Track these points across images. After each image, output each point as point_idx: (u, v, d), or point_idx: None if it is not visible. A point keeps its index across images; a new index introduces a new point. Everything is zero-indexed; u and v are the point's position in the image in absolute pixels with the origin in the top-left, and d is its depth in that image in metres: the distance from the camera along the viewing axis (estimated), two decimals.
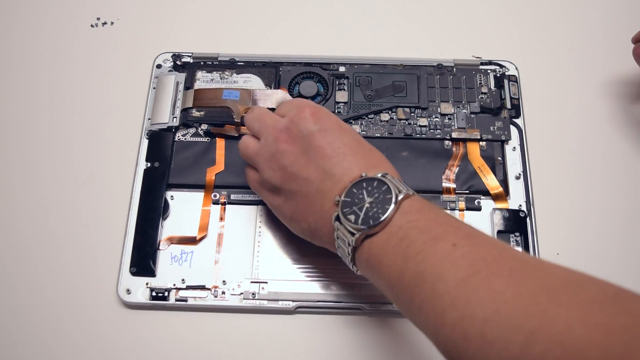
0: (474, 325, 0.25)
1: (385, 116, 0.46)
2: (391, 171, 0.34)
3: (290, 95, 0.46)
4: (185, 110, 0.46)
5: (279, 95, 0.46)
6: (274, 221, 0.42)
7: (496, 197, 0.43)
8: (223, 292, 0.40)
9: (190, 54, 0.49)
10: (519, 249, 0.41)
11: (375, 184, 0.32)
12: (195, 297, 0.40)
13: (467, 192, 0.43)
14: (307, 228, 0.35)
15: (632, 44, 0.45)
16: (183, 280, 0.40)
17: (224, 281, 0.40)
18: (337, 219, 0.32)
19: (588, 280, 0.25)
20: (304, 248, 0.41)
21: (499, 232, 0.42)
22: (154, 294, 0.40)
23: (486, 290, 0.26)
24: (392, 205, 0.31)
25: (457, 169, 0.44)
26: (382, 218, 0.31)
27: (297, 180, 0.34)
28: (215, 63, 0.48)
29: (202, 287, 0.40)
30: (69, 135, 0.47)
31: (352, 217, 0.31)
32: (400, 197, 0.31)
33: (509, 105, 0.46)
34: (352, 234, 0.31)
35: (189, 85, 0.47)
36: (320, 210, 0.34)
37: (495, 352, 0.25)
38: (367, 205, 0.31)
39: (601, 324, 0.23)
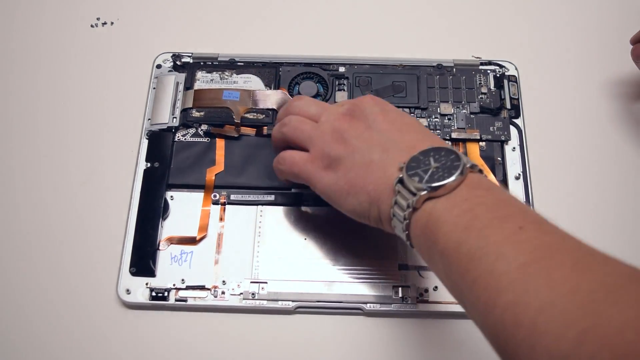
0: (527, 312, 0.25)
1: None
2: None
3: (290, 96, 0.46)
4: (185, 111, 0.46)
5: (279, 95, 0.46)
6: (273, 221, 0.42)
7: None
8: (223, 292, 0.40)
9: (190, 54, 0.49)
10: None
11: (443, 152, 0.31)
12: (195, 297, 0.40)
13: None
14: (365, 200, 0.34)
15: (630, 45, 0.45)
16: (183, 280, 0.41)
17: (223, 281, 0.41)
18: (400, 181, 0.31)
19: None
20: (304, 248, 0.41)
21: None
22: (153, 294, 0.40)
23: (545, 279, 0.25)
24: (459, 171, 0.30)
25: None
26: (448, 180, 0.30)
27: (361, 151, 0.34)
28: (215, 63, 0.48)
29: (202, 287, 0.40)
30: (68, 135, 0.47)
31: (415, 178, 0.30)
32: (468, 165, 0.30)
33: (508, 106, 0.46)
34: (414, 194, 0.30)
35: (188, 85, 0.47)
36: (382, 176, 0.33)
37: (545, 344, 0.24)
38: (432, 169, 0.31)
39: None
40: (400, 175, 0.31)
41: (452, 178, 0.30)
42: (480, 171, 0.32)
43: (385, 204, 0.33)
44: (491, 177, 0.44)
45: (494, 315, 0.26)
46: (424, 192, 0.30)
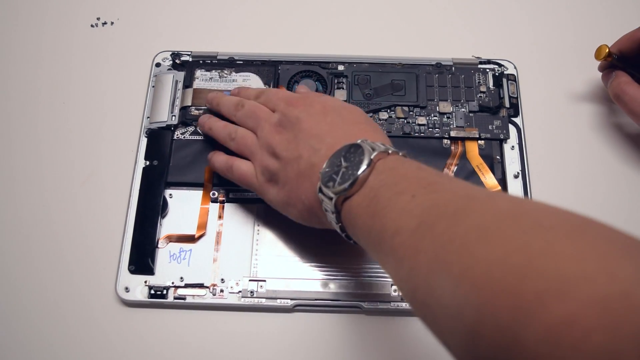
0: (420, 276, 0.24)
1: (384, 115, 0.46)
2: (372, 137, 0.34)
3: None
4: (184, 109, 0.46)
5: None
6: (272, 219, 0.42)
7: None
8: (221, 290, 0.40)
9: (190, 53, 0.49)
10: None
11: (352, 149, 0.32)
12: (193, 295, 0.40)
13: None
14: (303, 209, 0.35)
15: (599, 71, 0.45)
16: (181, 278, 0.41)
17: (222, 279, 0.40)
18: (320, 189, 0.32)
19: (534, 209, 0.24)
20: (303, 246, 0.41)
21: None
22: (152, 292, 0.40)
23: (430, 236, 0.25)
24: (365, 164, 0.30)
25: (456, 167, 0.44)
26: (354, 177, 0.30)
27: (291, 162, 0.36)
28: (214, 62, 0.48)
29: (201, 285, 0.40)
30: (69, 134, 0.47)
31: (330, 184, 0.32)
32: (373, 155, 0.31)
33: (507, 104, 0.46)
34: (331, 199, 0.31)
35: (187, 83, 0.47)
36: (310, 185, 0.34)
37: (436, 301, 0.23)
38: (343, 169, 0.31)
39: (521, 265, 0.21)
40: (319, 184, 0.32)
41: (359, 172, 0.30)
42: (404, 154, 0.32)
43: (321, 211, 0.34)
44: (490, 175, 0.44)
45: (403, 291, 0.26)
46: (337, 196, 0.31)
